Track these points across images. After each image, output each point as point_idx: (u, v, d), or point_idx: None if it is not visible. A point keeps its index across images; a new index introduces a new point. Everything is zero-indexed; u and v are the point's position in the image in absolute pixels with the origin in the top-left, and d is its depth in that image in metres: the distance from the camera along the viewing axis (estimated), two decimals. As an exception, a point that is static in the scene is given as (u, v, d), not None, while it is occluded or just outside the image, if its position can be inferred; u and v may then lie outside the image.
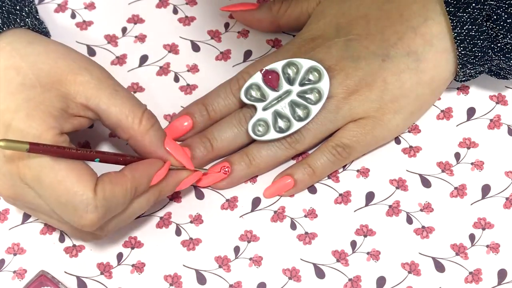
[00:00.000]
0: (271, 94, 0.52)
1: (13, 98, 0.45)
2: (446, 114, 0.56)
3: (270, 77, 0.52)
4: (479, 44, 0.51)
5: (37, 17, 0.52)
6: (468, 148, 0.55)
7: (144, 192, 0.48)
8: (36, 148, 0.43)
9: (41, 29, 0.51)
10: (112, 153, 0.48)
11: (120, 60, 0.58)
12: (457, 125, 0.56)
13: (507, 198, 0.53)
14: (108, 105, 0.47)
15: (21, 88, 0.46)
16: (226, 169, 0.53)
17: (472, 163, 0.54)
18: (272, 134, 0.52)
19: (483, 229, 0.52)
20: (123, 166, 0.48)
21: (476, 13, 0.50)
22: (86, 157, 0.46)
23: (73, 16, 0.60)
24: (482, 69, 0.53)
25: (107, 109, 0.47)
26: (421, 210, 0.53)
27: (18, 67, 0.46)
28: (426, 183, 0.54)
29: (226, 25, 0.60)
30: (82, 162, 0.45)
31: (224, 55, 0.58)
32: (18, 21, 0.49)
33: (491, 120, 0.56)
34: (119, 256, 0.52)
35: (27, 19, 0.50)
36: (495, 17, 0.50)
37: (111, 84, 0.48)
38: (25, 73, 0.46)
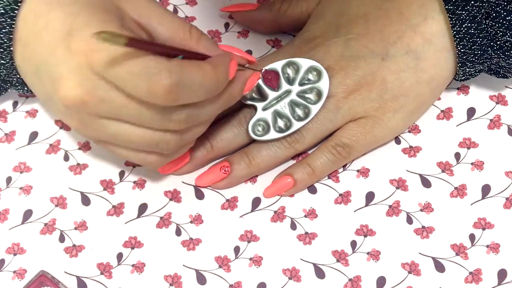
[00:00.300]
0: (271, 94, 0.52)
1: (72, 6, 0.44)
2: (446, 114, 0.56)
3: (269, 77, 0.52)
4: (479, 42, 0.51)
5: None
6: (468, 148, 0.55)
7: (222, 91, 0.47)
8: (133, 43, 0.41)
9: None
10: (189, 51, 0.47)
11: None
12: (457, 125, 0.56)
13: (507, 198, 0.53)
14: (160, 22, 0.46)
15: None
16: (226, 169, 0.53)
17: (472, 163, 0.54)
18: (272, 134, 0.52)
19: (483, 229, 0.52)
20: None
21: (475, 11, 0.50)
22: (175, 51, 0.45)
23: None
24: (481, 67, 0.53)
25: (157, 27, 0.46)
26: (421, 210, 0.53)
27: None
28: (426, 183, 0.54)
29: (226, 25, 0.60)
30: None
31: (224, 55, 0.58)
32: None
33: (491, 120, 0.56)
34: (119, 256, 0.52)
35: None
36: (494, 14, 0.50)
37: (158, 5, 0.47)
38: None
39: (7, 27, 0.47)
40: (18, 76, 0.49)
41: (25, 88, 0.51)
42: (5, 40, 0.47)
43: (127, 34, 0.41)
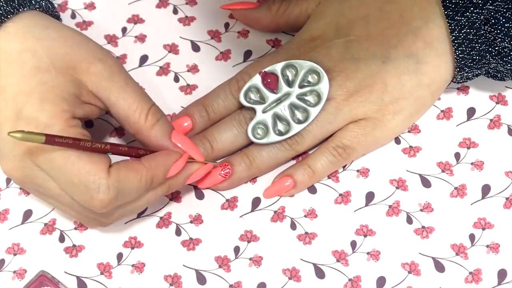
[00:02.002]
0: (271, 97, 0.52)
1: (27, 81, 0.45)
2: (446, 114, 0.56)
3: (269, 79, 0.52)
4: (477, 47, 0.51)
5: (50, 0, 0.52)
6: (468, 148, 0.55)
7: (159, 184, 0.48)
8: (52, 140, 0.42)
9: (53, 13, 0.51)
10: (126, 145, 0.48)
11: (120, 60, 0.58)
12: (457, 125, 0.56)
13: (507, 198, 0.53)
14: (118, 98, 0.47)
15: (35, 71, 0.46)
16: (227, 170, 0.53)
17: (472, 163, 0.54)
18: (272, 137, 0.52)
19: (483, 229, 0.52)
20: None
21: (474, 17, 0.50)
22: (99, 150, 0.45)
23: (73, 16, 0.60)
24: (479, 72, 0.53)
25: (116, 102, 0.47)
26: (421, 210, 0.53)
27: (33, 50, 0.46)
28: (426, 183, 0.54)
29: (226, 25, 0.60)
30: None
31: (224, 55, 0.58)
32: (33, 2, 0.49)
33: (491, 120, 0.56)
34: (119, 256, 0.52)
35: (41, 1, 0.50)
36: (493, 21, 0.50)
37: (122, 77, 0.48)
38: (40, 56, 0.46)
39: None
40: None
41: None
42: None
43: (43, 133, 0.42)
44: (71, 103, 0.46)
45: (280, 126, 0.52)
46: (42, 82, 0.45)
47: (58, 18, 0.52)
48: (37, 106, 0.45)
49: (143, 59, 0.58)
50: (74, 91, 0.46)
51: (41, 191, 0.47)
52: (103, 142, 0.46)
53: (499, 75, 0.53)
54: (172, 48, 0.59)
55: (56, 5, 0.60)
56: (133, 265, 0.52)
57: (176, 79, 0.58)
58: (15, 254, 0.52)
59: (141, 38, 0.59)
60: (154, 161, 0.47)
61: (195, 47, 0.59)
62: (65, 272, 0.52)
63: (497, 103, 0.56)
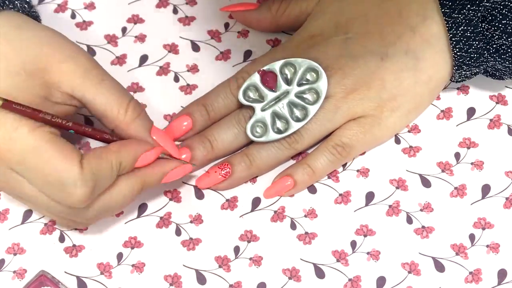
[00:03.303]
0: (269, 95, 0.52)
1: None
2: (446, 114, 0.56)
3: (268, 78, 0.52)
4: (475, 45, 0.51)
5: (27, 0, 0.51)
6: (468, 148, 0.55)
7: (129, 175, 0.48)
8: (9, 106, 0.42)
9: (31, 13, 0.50)
10: (90, 127, 0.48)
11: (120, 60, 0.58)
12: (457, 125, 0.56)
13: (507, 198, 0.53)
14: (94, 96, 0.47)
15: (5, 74, 0.46)
16: (227, 170, 0.53)
17: (472, 163, 0.54)
18: (271, 136, 0.52)
19: (483, 229, 0.52)
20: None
21: (471, 14, 0.50)
22: (60, 125, 0.45)
23: (73, 16, 0.60)
24: (477, 70, 0.53)
25: (92, 100, 0.47)
26: (421, 210, 0.53)
27: (4, 53, 0.46)
28: (426, 183, 0.54)
29: (226, 25, 0.60)
30: (64, 141, 0.45)
31: (224, 55, 0.58)
32: (7, 3, 0.48)
33: (491, 120, 0.56)
34: (119, 256, 0.52)
35: (16, 1, 0.49)
36: (490, 18, 0.50)
37: (97, 74, 0.47)
38: (10, 60, 0.46)
39: None
40: None
41: None
42: None
43: (3, 97, 0.42)
44: (39, 106, 0.45)
45: (279, 124, 0.52)
46: (12, 86, 0.45)
47: (36, 18, 0.51)
48: (4, 111, 0.44)
49: (143, 59, 0.58)
50: (44, 94, 0.46)
51: (18, 194, 0.47)
52: (65, 118, 0.46)
53: (497, 74, 0.53)
54: (172, 48, 0.59)
55: (56, 5, 0.60)
56: (133, 265, 0.52)
57: (176, 79, 0.58)
58: (15, 254, 0.52)
59: (141, 38, 0.59)
60: (123, 146, 0.47)
61: (195, 47, 0.59)
62: (65, 272, 0.52)
63: (497, 103, 0.56)
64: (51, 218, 0.52)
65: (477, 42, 0.51)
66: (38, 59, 0.46)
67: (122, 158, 0.47)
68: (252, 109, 0.53)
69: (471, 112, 0.56)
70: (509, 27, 0.50)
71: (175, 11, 0.60)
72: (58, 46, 0.47)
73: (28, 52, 0.46)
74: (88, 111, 0.48)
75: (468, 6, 0.50)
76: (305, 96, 0.52)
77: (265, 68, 0.52)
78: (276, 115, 0.52)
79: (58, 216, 0.48)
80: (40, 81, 0.46)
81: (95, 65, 0.48)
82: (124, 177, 0.48)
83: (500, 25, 0.50)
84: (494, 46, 0.51)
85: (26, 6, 0.50)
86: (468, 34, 0.51)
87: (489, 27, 0.51)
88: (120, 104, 0.47)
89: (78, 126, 0.47)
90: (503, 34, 0.50)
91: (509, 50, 0.51)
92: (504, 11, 0.50)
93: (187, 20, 0.60)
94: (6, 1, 0.48)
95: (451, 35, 0.51)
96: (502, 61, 0.51)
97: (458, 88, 0.57)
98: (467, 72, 0.53)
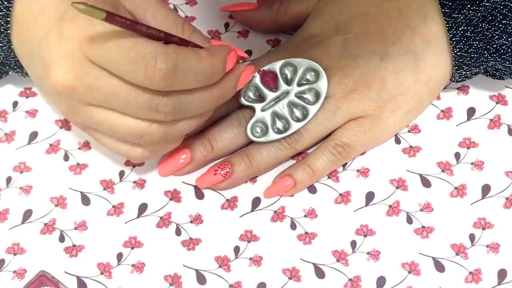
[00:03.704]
0: (269, 95, 0.52)
1: None
2: (446, 114, 0.56)
3: (268, 78, 0.52)
4: (475, 45, 0.51)
5: None
6: (468, 148, 0.55)
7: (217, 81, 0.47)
8: (112, 18, 0.41)
9: None
10: (179, 37, 0.47)
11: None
12: (457, 125, 0.56)
13: (507, 198, 0.53)
14: (154, 16, 0.47)
15: None
16: (227, 170, 0.53)
17: (472, 163, 0.54)
18: (271, 136, 0.52)
19: (483, 229, 0.52)
20: None
21: (472, 14, 0.50)
22: (154, 36, 0.45)
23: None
24: (477, 70, 0.53)
25: (152, 20, 0.47)
26: (421, 210, 0.53)
27: None
28: (426, 183, 0.54)
29: (226, 25, 0.60)
30: None
31: (224, 55, 0.58)
32: None
33: (491, 120, 0.56)
34: (119, 256, 0.52)
35: None
36: (490, 18, 0.50)
37: None
38: None
39: (4, 10, 0.47)
40: (15, 59, 0.50)
41: (24, 71, 0.51)
42: (2, 22, 0.47)
43: (106, 9, 0.41)
44: (113, 7, 0.45)
45: (279, 124, 0.52)
46: None
47: None
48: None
49: (143, 59, 0.58)
50: (113, 3, 0.45)
51: (92, 96, 0.45)
52: (157, 29, 0.45)
53: (497, 74, 0.53)
54: (172, 48, 0.59)
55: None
56: (133, 265, 0.52)
57: (176, 79, 0.58)
58: (15, 254, 0.52)
59: (141, 38, 0.59)
60: (213, 50, 0.46)
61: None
62: (65, 272, 0.52)
63: (497, 103, 0.56)
64: (120, 136, 0.48)
65: (477, 42, 0.51)
66: None
67: (214, 59, 0.46)
68: (252, 109, 0.53)
69: (471, 112, 0.56)
70: (509, 27, 0.50)
71: (175, 11, 0.60)
72: None
73: None
74: None
75: (468, 6, 0.50)
76: (305, 96, 0.52)
77: (265, 68, 0.53)
78: (276, 115, 0.52)
79: (131, 122, 0.46)
80: None
81: None
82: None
83: (500, 25, 0.50)
84: (494, 46, 0.51)
85: None
86: (468, 34, 0.51)
87: (489, 27, 0.51)
88: (177, 22, 0.47)
89: (169, 35, 0.46)
90: (503, 34, 0.50)
91: (509, 50, 0.51)
92: (504, 11, 0.50)
93: (187, 20, 0.60)
94: None
95: (451, 35, 0.51)
96: (502, 61, 0.51)
97: (458, 88, 0.57)
98: (467, 72, 0.53)
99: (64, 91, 0.45)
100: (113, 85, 0.44)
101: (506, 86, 0.57)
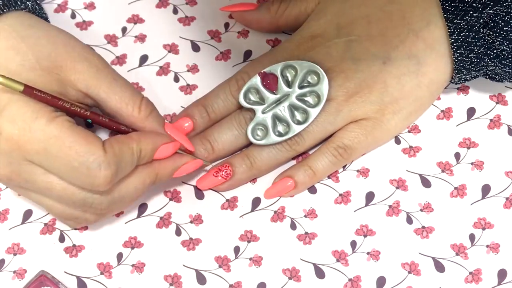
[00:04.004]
0: (270, 97, 0.52)
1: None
2: (446, 114, 0.56)
3: (268, 80, 0.52)
4: (476, 50, 0.51)
5: (38, 2, 0.52)
6: (468, 148, 0.55)
7: (143, 167, 0.48)
8: (30, 91, 0.43)
9: (41, 14, 0.51)
10: (109, 118, 0.48)
11: (120, 60, 0.58)
12: (457, 125, 0.56)
13: (507, 198, 0.53)
14: (108, 94, 0.47)
15: (20, 69, 0.46)
16: (228, 171, 0.53)
17: (472, 163, 0.54)
18: (271, 139, 0.52)
19: (483, 229, 0.52)
20: None
21: (474, 21, 0.50)
22: (78, 114, 0.46)
23: (73, 16, 0.60)
24: (477, 74, 0.53)
25: (106, 98, 0.48)
26: (421, 210, 0.53)
27: (18, 48, 0.46)
28: (426, 183, 0.54)
29: (226, 25, 0.60)
30: (83, 128, 0.46)
31: (224, 55, 0.58)
32: (19, 3, 0.49)
33: (491, 120, 0.56)
34: (119, 256, 0.52)
35: (28, 2, 0.50)
36: (492, 24, 0.50)
37: (109, 73, 0.48)
38: (25, 54, 0.46)
39: None
40: None
41: None
42: None
43: (24, 83, 0.42)
44: (58, 94, 0.46)
45: (280, 127, 0.52)
46: (28, 80, 0.45)
47: (45, 19, 0.52)
48: (22, 103, 0.45)
49: (143, 59, 0.58)
50: (59, 90, 0.46)
51: (27, 186, 0.47)
52: (83, 107, 0.46)
53: (497, 77, 0.53)
54: (172, 48, 0.59)
55: (56, 5, 0.60)
56: (133, 265, 0.52)
57: (176, 79, 0.58)
58: (15, 254, 0.52)
59: (141, 38, 0.59)
60: (144, 136, 0.48)
61: (195, 47, 0.59)
62: (65, 272, 0.52)
63: (497, 103, 0.56)
64: (55, 216, 0.51)
65: (478, 47, 0.51)
66: (52, 56, 0.47)
67: (143, 146, 0.47)
68: (253, 111, 0.52)
69: (471, 112, 0.56)
70: (510, 34, 0.50)
71: (175, 11, 0.60)
72: (71, 46, 0.48)
73: (42, 49, 0.47)
74: (101, 110, 0.49)
75: (471, 12, 0.50)
76: (306, 98, 0.52)
77: (266, 70, 0.52)
78: (277, 118, 0.52)
79: (66, 209, 0.48)
80: (56, 78, 0.46)
81: (106, 64, 0.49)
82: (138, 168, 0.48)
83: (502, 32, 0.50)
84: (495, 51, 0.51)
85: (37, 7, 0.51)
86: (470, 40, 0.51)
87: (491, 33, 0.51)
88: (134, 101, 0.48)
89: (95, 115, 0.47)
90: (504, 41, 0.50)
91: (509, 56, 0.51)
92: (506, 18, 0.50)
93: (187, 20, 0.60)
94: (18, 1, 0.49)
95: (452, 40, 0.51)
96: (502, 66, 0.51)
97: (458, 88, 0.57)
98: (467, 76, 0.53)
99: (1, 179, 0.47)
100: (48, 181, 0.46)
101: (506, 87, 0.57)
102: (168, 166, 0.50)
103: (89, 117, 0.47)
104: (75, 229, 0.53)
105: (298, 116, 0.52)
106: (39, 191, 0.47)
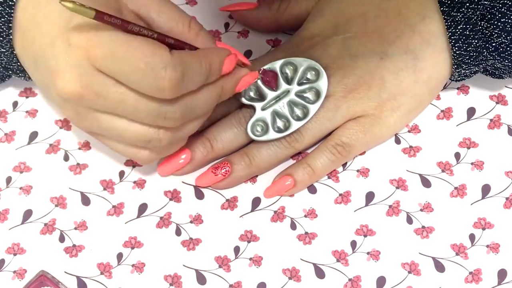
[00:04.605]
0: (270, 94, 0.52)
1: None
2: (446, 114, 0.56)
3: (268, 77, 0.52)
4: (474, 43, 0.51)
5: None
6: (468, 148, 0.55)
7: (213, 82, 0.47)
8: (101, 17, 0.42)
9: None
10: (175, 38, 0.47)
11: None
12: (457, 125, 0.56)
13: (507, 198, 0.53)
14: (159, 13, 0.47)
15: None
16: (227, 169, 0.53)
17: (472, 163, 0.54)
18: (271, 134, 0.52)
19: (483, 229, 0.52)
20: None
21: (470, 13, 0.50)
22: (146, 36, 0.45)
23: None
24: (477, 69, 0.53)
25: (157, 18, 0.47)
26: (421, 210, 0.53)
27: None
28: (426, 183, 0.54)
29: (226, 25, 0.60)
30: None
31: (224, 55, 0.58)
32: None
33: (491, 120, 0.56)
34: (119, 256, 0.52)
35: None
36: (489, 16, 0.50)
37: None
38: None
39: (6, 16, 0.47)
40: (18, 64, 0.50)
41: (26, 75, 0.51)
42: (4, 28, 0.47)
43: (95, 8, 0.41)
44: (116, 10, 0.45)
45: (280, 123, 0.52)
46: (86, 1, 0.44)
47: None
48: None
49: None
50: (115, 6, 0.45)
51: (99, 105, 0.45)
52: (150, 29, 0.45)
53: (497, 72, 0.53)
54: (172, 48, 0.59)
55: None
56: (133, 265, 0.52)
57: (176, 79, 0.58)
58: (15, 254, 0.52)
59: (141, 38, 0.59)
60: (209, 51, 0.47)
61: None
62: (65, 272, 0.52)
63: (497, 103, 0.56)
64: (128, 147, 0.49)
65: (476, 41, 0.51)
66: None
67: (211, 60, 0.46)
68: (253, 109, 0.53)
69: (471, 112, 0.56)
70: (508, 25, 0.50)
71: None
72: None
73: None
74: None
75: (467, 4, 0.50)
76: (305, 95, 0.52)
77: (265, 67, 0.53)
78: (276, 114, 0.52)
79: (140, 129, 0.47)
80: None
81: None
82: (204, 85, 0.47)
83: (499, 23, 0.50)
84: (493, 44, 0.51)
85: None
86: (467, 33, 0.51)
87: (488, 25, 0.51)
88: (184, 20, 0.48)
89: (163, 36, 0.46)
90: (502, 33, 0.50)
91: (508, 49, 0.51)
92: (503, 10, 0.50)
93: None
94: None
95: (450, 34, 0.51)
96: (501, 59, 0.51)
97: (458, 88, 0.57)
98: (467, 71, 0.53)
99: (72, 99, 0.45)
100: (120, 93, 0.45)
101: (506, 86, 0.57)
102: (232, 79, 0.49)
103: (157, 39, 0.46)
104: (75, 229, 0.53)
105: (298, 112, 0.52)
106: (112, 106, 0.45)
